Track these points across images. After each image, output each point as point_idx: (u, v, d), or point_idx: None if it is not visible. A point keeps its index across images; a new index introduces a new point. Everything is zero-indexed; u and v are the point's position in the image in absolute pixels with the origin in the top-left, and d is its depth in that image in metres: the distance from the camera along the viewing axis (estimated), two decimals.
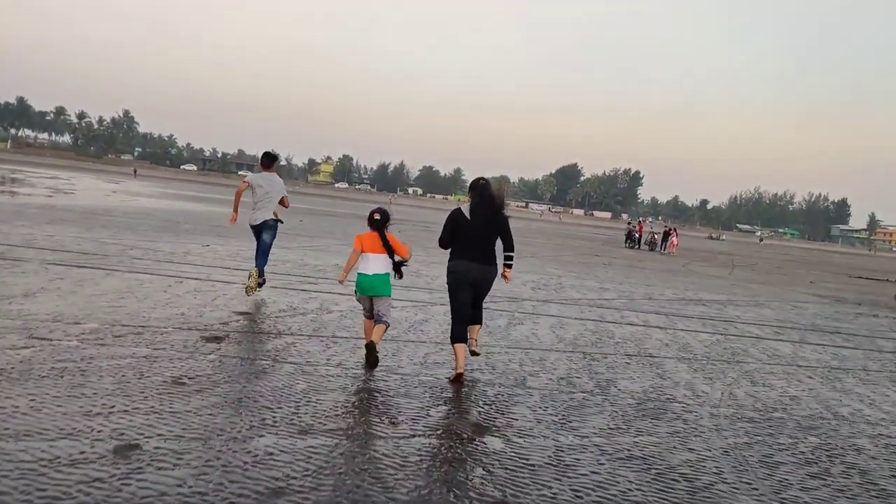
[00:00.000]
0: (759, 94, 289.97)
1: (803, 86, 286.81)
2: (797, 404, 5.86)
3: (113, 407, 3.98)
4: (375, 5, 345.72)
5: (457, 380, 5.36)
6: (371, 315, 5.62)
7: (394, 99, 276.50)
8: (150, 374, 4.64)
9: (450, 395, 5.09)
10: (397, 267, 5.70)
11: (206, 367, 4.96)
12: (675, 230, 35.65)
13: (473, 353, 5.77)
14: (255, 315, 7.11)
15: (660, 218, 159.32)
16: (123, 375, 4.56)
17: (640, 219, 55.07)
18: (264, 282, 8.42)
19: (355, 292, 5.72)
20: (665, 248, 34.63)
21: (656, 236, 36.37)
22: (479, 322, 5.94)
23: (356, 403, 4.66)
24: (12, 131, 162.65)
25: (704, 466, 4.11)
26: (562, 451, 4.12)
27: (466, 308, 5.65)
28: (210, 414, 4.05)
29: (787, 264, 36.65)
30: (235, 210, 8.75)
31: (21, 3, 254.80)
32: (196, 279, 9.09)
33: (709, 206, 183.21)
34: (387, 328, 5.60)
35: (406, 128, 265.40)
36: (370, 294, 5.55)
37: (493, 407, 4.91)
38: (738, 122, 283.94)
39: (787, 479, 4.06)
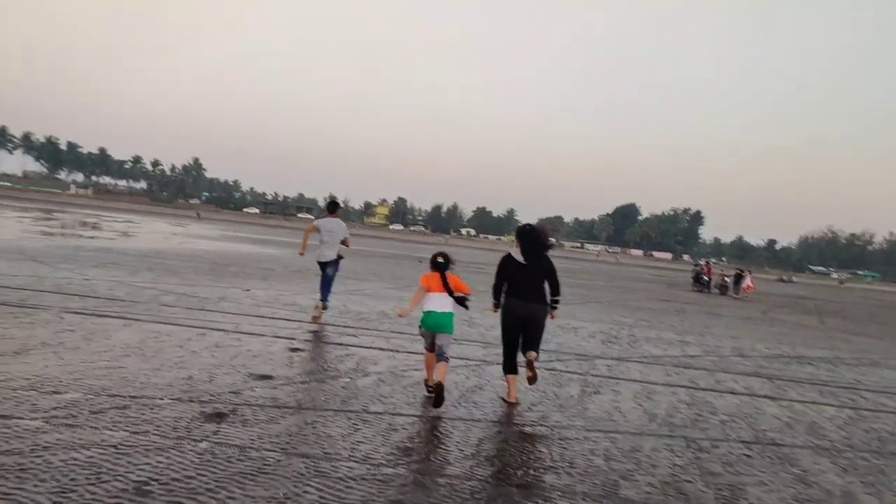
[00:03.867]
0: (826, 129, 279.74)
1: (879, 120, 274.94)
2: None
3: None
4: (428, 53, 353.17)
5: (509, 404, 5.95)
6: (432, 348, 5.87)
7: (449, 142, 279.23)
8: (109, 479, 3.44)
9: None
10: (460, 301, 6.08)
11: (187, 465, 3.74)
12: (749, 272, 33.16)
13: (532, 375, 6.16)
14: (275, 380, 5.91)
15: (723, 259, 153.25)
16: (71, 480, 3.38)
17: (709, 260, 52.15)
18: (327, 307, 9.75)
19: (419, 327, 5.99)
20: (738, 291, 32.22)
21: (727, 279, 33.95)
22: (535, 350, 6.15)
23: None
24: (94, 179, 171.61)
25: None
26: None
27: (516, 348, 6.14)
28: None
29: (881, 311, 33.52)
30: (304, 245, 10.15)
31: (104, 63, 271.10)
32: (221, 331, 8.02)
33: (777, 247, 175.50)
34: (447, 364, 5.80)
35: (459, 170, 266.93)
36: (434, 331, 5.83)
37: None
38: (809, 160, 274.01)
39: None
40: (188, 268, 15.94)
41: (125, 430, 4.12)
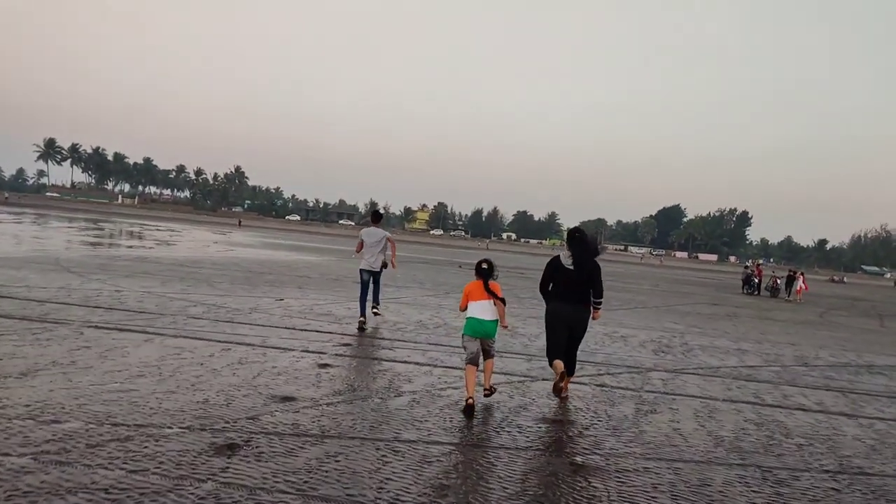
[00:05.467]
0: (877, 124, 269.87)
1: None
2: None
3: None
4: (465, 55, 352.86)
5: (559, 385, 6.19)
6: (473, 361, 5.78)
7: (488, 146, 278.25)
8: None
9: None
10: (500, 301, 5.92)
11: None
12: (801, 274, 31.65)
13: (561, 399, 6.29)
14: (298, 402, 5.40)
15: (771, 260, 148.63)
16: None
17: (759, 261, 50.22)
18: (378, 312, 10.37)
19: (462, 336, 5.95)
20: (790, 293, 30.78)
21: (779, 281, 32.49)
22: (571, 373, 6.47)
23: None
24: (140, 188, 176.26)
25: None
26: None
27: (561, 344, 6.30)
28: None
29: None
30: (359, 250, 10.32)
31: (148, 74, 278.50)
32: (248, 345, 7.58)
33: (827, 247, 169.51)
34: (493, 361, 6.04)
35: (500, 173, 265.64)
36: (480, 336, 5.84)
37: None
38: (858, 157, 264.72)
39: None
40: (223, 277, 15.69)
41: (121, 469, 3.64)
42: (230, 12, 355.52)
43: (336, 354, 7.54)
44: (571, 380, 6.88)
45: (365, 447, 4.42)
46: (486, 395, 5.90)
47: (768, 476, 4.59)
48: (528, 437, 5.04)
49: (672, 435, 5.44)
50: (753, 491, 4.25)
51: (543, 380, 7.09)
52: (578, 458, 4.62)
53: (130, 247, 24.23)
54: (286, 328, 9.05)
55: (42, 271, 13.37)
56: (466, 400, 5.52)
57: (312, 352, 7.56)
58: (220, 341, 7.70)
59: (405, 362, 7.42)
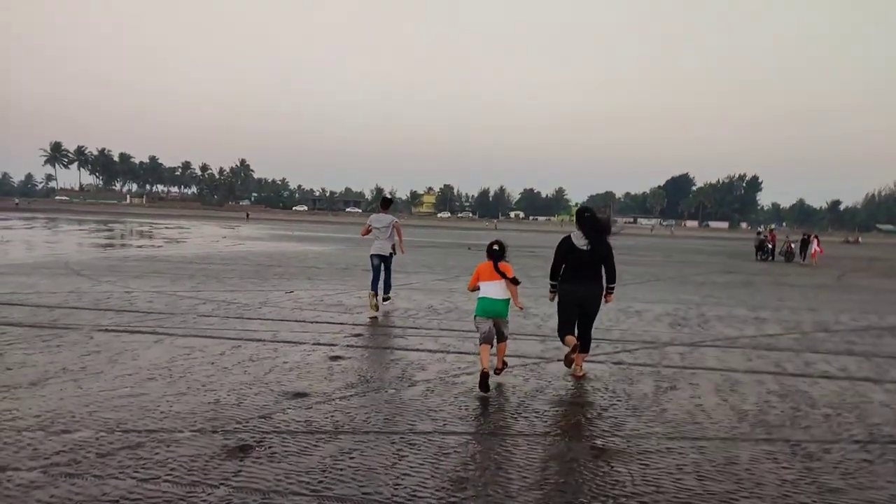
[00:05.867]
0: (883, 77, 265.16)
1: None
2: None
3: None
4: (470, 40, 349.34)
5: (570, 357, 6.09)
6: (487, 339, 5.78)
7: (492, 125, 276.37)
8: None
9: None
10: (514, 281, 5.92)
11: None
12: (816, 237, 31.26)
13: (577, 377, 6.27)
14: (311, 397, 5.31)
15: (784, 224, 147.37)
16: None
17: (772, 226, 49.73)
18: (389, 298, 10.52)
19: (475, 317, 5.96)
20: (805, 257, 30.43)
21: (793, 245, 32.12)
22: (586, 350, 6.44)
23: None
24: (147, 187, 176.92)
25: None
26: None
27: (573, 322, 6.30)
28: None
29: None
30: (365, 230, 10.50)
31: (148, 70, 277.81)
32: (258, 341, 7.50)
33: (841, 208, 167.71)
34: (506, 343, 6.07)
35: (506, 152, 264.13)
36: (492, 317, 5.83)
37: None
38: (869, 114, 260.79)
39: None
40: (232, 272, 15.65)
41: (132, 478, 3.56)
42: (225, 5, 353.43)
43: (347, 346, 7.46)
44: (588, 358, 6.77)
45: (380, 441, 4.32)
46: (496, 373, 5.96)
47: (797, 450, 4.45)
48: (545, 421, 4.93)
49: (694, 412, 5.31)
50: (783, 467, 4.12)
51: (558, 360, 6.97)
52: (599, 442, 4.51)
53: (140, 247, 24.26)
54: (297, 321, 8.97)
55: (52, 276, 13.36)
56: (481, 371, 5.61)
57: (324, 344, 7.48)
58: (230, 338, 7.63)
59: (417, 350, 7.32)
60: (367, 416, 4.88)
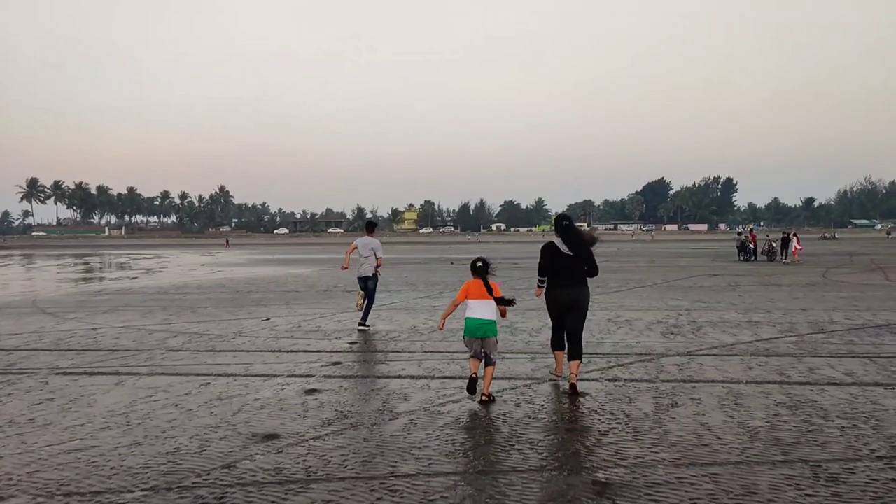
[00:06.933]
0: (866, 80, 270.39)
1: None
2: None
3: None
4: (447, 54, 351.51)
5: (555, 374, 6.52)
6: (477, 356, 5.76)
7: (469, 138, 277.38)
8: None
9: None
10: (508, 302, 5.99)
11: None
12: (794, 234, 31.23)
13: (574, 391, 5.99)
14: (282, 439, 4.81)
15: (761, 224, 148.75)
16: None
17: (751, 226, 49.90)
18: (365, 328, 10.14)
19: (464, 336, 5.88)
20: (787, 255, 30.38)
21: (774, 244, 32.08)
22: (579, 357, 6.29)
23: None
24: (126, 218, 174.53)
25: None
26: None
27: (562, 331, 6.40)
28: None
29: None
30: (346, 260, 11.05)
31: (124, 101, 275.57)
32: (229, 375, 6.99)
33: (815, 204, 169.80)
34: (494, 367, 5.91)
35: (484, 165, 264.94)
36: (479, 336, 5.74)
37: None
38: (841, 110, 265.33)
39: None
40: (207, 301, 15.07)
41: None
42: (196, 23, 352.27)
43: (324, 376, 6.97)
44: (581, 376, 6.38)
45: (357, 489, 3.84)
46: (482, 402, 5.71)
47: (818, 472, 4.04)
48: (540, 453, 4.48)
49: (700, 432, 4.89)
50: (808, 495, 3.69)
51: (551, 381, 6.54)
52: (601, 475, 4.06)
53: (115, 279, 23.55)
54: (271, 351, 8.46)
55: (17, 316, 12.72)
56: (470, 376, 5.74)
57: (299, 376, 6.98)
58: (199, 374, 7.11)
59: (400, 377, 6.86)
60: (343, 458, 4.39)
